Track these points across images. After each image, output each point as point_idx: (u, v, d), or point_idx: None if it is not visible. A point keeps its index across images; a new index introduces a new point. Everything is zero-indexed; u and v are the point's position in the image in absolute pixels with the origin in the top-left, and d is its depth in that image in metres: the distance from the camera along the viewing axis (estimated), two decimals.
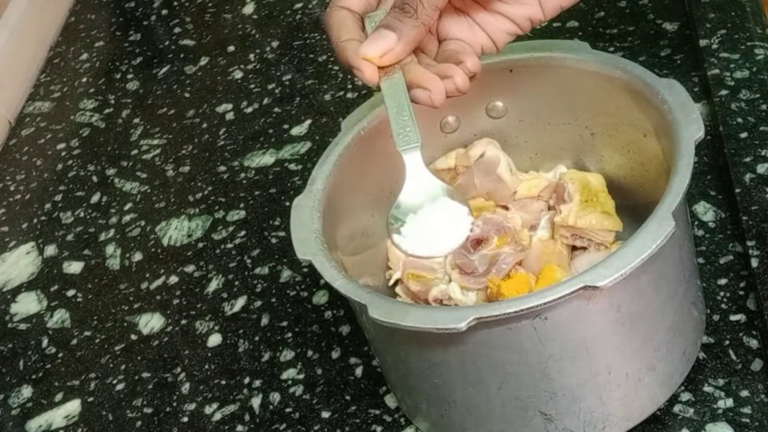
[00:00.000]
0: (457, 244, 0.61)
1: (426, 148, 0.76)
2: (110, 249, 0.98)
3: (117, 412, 0.82)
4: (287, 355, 0.81)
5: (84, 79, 1.23)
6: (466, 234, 0.61)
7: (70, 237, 1.01)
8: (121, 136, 1.11)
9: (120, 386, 0.84)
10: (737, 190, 0.76)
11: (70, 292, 0.95)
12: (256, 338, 0.83)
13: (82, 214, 1.03)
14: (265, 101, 1.08)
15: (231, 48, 1.18)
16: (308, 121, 1.03)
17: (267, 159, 1.00)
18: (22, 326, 0.93)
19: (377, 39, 0.60)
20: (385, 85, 0.61)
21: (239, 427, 0.77)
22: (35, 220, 1.05)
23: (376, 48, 0.60)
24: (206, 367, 0.83)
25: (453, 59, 0.62)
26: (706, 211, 0.79)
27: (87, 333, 0.90)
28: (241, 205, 0.97)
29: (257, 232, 0.93)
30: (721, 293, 0.73)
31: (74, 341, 0.90)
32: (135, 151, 1.08)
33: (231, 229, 0.95)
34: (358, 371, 0.78)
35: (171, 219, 0.98)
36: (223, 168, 1.02)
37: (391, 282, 0.75)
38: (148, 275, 0.93)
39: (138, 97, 1.16)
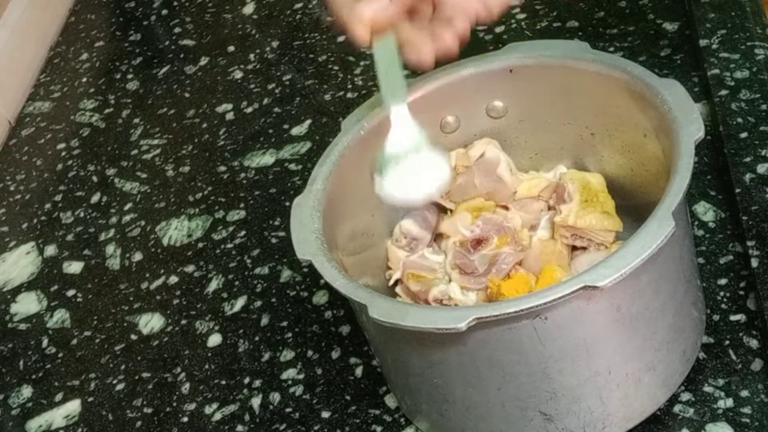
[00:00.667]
0: (433, 191, 0.64)
1: None
2: (110, 249, 0.98)
3: (117, 412, 0.82)
4: (287, 355, 0.81)
5: (84, 79, 1.23)
6: (442, 182, 0.64)
7: (70, 237, 1.01)
8: (121, 136, 1.11)
9: (120, 386, 0.84)
10: (737, 190, 0.76)
11: (70, 292, 0.95)
12: (256, 338, 0.83)
13: (82, 214, 1.03)
14: (265, 101, 1.08)
15: (231, 48, 1.18)
16: (308, 121, 1.03)
17: (267, 159, 1.00)
18: (22, 326, 0.93)
19: (370, 0, 0.62)
20: (377, 45, 0.63)
21: (239, 427, 0.77)
22: (35, 220, 1.05)
23: (370, 8, 0.62)
24: (206, 367, 0.83)
25: (445, 22, 0.64)
26: (706, 211, 0.79)
27: (87, 333, 0.90)
28: (241, 205, 0.97)
29: (257, 232, 0.93)
30: (721, 293, 0.73)
31: (74, 341, 0.90)
32: (135, 151, 1.08)
33: (231, 229, 0.95)
34: (358, 371, 0.78)
35: (171, 219, 0.98)
36: (223, 168, 1.02)
37: (391, 282, 0.75)
38: (148, 275, 0.93)
39: (138, 97, 1.16)
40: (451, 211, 0.77)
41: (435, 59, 0.63)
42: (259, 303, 0.86)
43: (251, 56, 1.15)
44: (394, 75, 0.63)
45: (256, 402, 0.79)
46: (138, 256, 0.96)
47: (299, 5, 1.20)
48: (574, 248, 0.73)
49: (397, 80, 0.63)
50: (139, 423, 0.80)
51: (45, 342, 0.91)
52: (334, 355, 0.80)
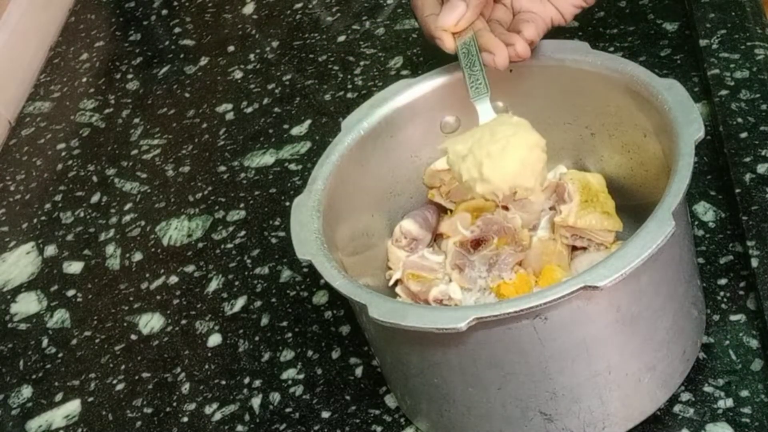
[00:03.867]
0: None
1: (426, 148, 0.77)
2: (110, 249, 0.98)
3: (117, 412, 0.82)
4: (287, 355, 0.81)
5: (84, 79, 1.23)
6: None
7: (70, 237, 1.01)
8: (121, 136, 1.11)
9: (120, 386, 0.84)
10: (737, 190, 0.76)
11: (70, 292, 0.95)
12: (256, 338, 0.83)
13: (82, 214, 1.03)
14: (265, 101, 1.08)
15: (231, 48, 1.18)
16: (308, 121, 1.03)
17: (267, 159, 1.00)
18: (22, 326, 0.93)
19: (450, 10, 0.72)
20: (460, 44, 0.72)
21: (239, 427, 0.77)
22: (35, 220, 1.05)
23: (450, 18, 0.71)
24: (206, 367, 0.83)
25: (517, 29, 0.73)
26: (706, 211, 0.79)
27: (87, 333, 0.90)
28: (241, 205, 0.97)
29: (257, 232, 0.93)
30: (721, 293, 0.73)
31: (74, 341, 0.90)
32: (135, 151, 1.08)
33: (231, 229, 0.95)
34: (358, 371, 0.78)
35: (171, 219, 0.98)
36: (223, 168, 1.02)
37: (391, 282, 0.75)
38: (148, 275, 0.93)
39: (138, 97, 1.16)
40: (451, 211, 0.77)
41: (509, 62, 0.71)
42: (259, 303, 0.86)
43: (251, 56, 1.15)
44: (477, 71, 0.70)
45: (256, 402, 0.79)
46: (138, 256, 0.96)
47: (299, 5, 1.20)
48: (574, 248, 0.73)
49: (479, 76, 0.70)
50: (139, 423, 0.80)
51: (45, 342, 0.91)
52: (334, 355, 0.80)
